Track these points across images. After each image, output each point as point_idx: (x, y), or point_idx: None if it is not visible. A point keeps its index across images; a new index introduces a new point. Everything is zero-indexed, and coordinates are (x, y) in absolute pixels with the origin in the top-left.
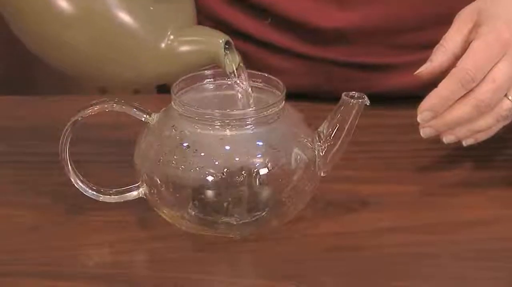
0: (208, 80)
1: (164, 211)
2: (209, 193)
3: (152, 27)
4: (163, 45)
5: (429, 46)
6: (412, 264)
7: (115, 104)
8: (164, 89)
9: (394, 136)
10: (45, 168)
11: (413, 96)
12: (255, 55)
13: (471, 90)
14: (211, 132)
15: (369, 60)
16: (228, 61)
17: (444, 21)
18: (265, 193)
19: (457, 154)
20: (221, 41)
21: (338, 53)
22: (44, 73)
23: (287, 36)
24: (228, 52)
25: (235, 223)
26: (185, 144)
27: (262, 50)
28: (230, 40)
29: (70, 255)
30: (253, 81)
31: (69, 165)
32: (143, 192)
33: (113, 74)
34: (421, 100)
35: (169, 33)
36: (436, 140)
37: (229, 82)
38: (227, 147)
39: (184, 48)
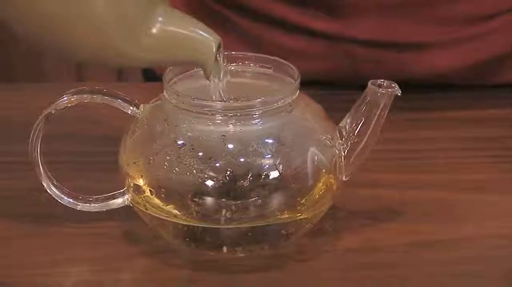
0: None
1: (154, 221)
2: (209, 200)
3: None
4: (154, 30)
5: (468, 21)
6: (456, 286)
7: (95, 95)
8: (152, 75)
9: (429, 133)
10: (14, 170)
11: (451, 84)
12: (264, 34)
13: None
14: (211, 127)
15: (398, 38)
16: (215, 69)
17: None
18: (276, 200)
19: (502, 154)
20: (213, 44)
21: (362, 30)
22: (18, 58)
23: (301, 11)
24: (217, 53)
25: (239, 237)
26: (180, 142)
27: (272, 29)
28: (221, 42)
29: (43, 274)
30: (262, 67)
31: (40, 166)
32: (129, 199)
33: (88, 51)
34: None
35: (158, 18)
36: (478, 137)
37: (232, 68)
38: (230, 146)
39: (172, 41)
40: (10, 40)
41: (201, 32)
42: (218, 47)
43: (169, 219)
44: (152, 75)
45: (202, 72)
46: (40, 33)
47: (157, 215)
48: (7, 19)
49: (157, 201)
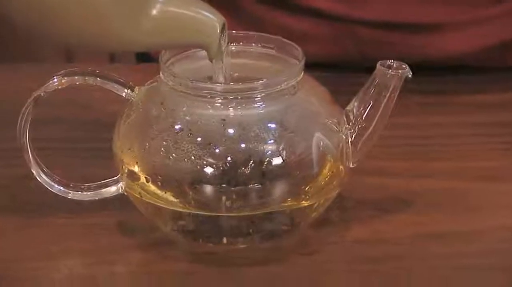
0: None
1: (149, 211)
2: (208, 188)
3: None
4: (154, 11)
5: (477, 2)
6: (462, 280)
7: (88, 76)
8: (146, 56)
9: (441, 118)
10: (1, 157)
11: (465, 66)
12: (267, 16)
13: None
14: (210, 111)
15: (407, 19)
16: (218, 51)
17: None
18: (279, 189)
19: None
20: (217, 25)
21: (369, 10)
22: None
23: None
24: (221, 35)
25: (240, 228)
26: (177, 127)
27: (275, 10)
28: (225, 23)
29: (33, 268)
30: (265, 47)
31: (29, 153)
32: (123, 187)
33: (79, 32)
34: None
35: None
36: (492, 123)
37: (233, 48)
38: (231, 131)
39: (173, 22)
40: None
41: (204, 12)
42: (222, 28)
43: (165, 206)
44: (145, 56)
45: (200, 52)
46: (39, 21)
47: (153, 202)
48: (5, 10)
49: (153, 188)
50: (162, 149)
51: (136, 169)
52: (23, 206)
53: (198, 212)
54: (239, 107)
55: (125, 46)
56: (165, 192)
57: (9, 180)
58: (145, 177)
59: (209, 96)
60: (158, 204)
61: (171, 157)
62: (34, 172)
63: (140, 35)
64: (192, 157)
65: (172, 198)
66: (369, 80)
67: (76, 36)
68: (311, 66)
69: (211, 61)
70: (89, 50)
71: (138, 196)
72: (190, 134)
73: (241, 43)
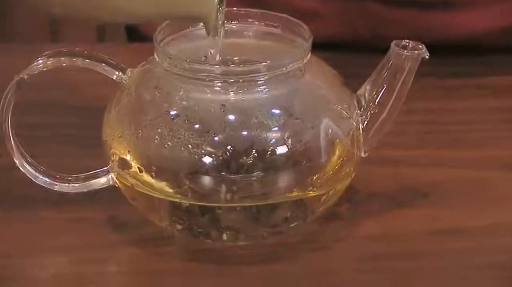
0: None
1: (142, 204)
2: (206, 179)
3: None
4: None
5: None
6: (482, 278)
7: (75, 57)
8: (138, 35)
9: (461, 103)
10: None
11: (485, 46)
12: None
13: None
14: (209, 95)
15: None
16: (216, 25)
17: None
18: (283, 179)
19: None
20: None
21: None
22: None
23: None
24: (219, 5)
25: (241, 222)
26: (173, 113)
27: None
28: None
29: (16, 265)
30: (268, 26)
31: (12, 140)
32: (114, 178)
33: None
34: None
35: None
36: None
37: (234, 27)
38: (231, 117)
39: None
40: None
41: None
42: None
43: (159, 196)
44: (138, 35)
45: (198, 31)
46: None
47: (146, 193)
48: None
49: (146, 179)
50: (157, 137)
51: (128, 158)
52: (5, 198)
53: (196, 204)
54: (240, 91)
55: (117, 16)
56: (160, 183)
57: None
58: (138, 167)
59: (207, 79)
60: (152, 195)
61: (166, 145)
62: (17, 162)
63: (133, 4)
64: (189, 146)
65: (167, 189)
66: (383, 61)
67: (66, 5)
68: (319, 47)
69: (208, 35)
70: (78, 20)
71: (130, 186)
72: (187, 120)
73: (243, 21)
